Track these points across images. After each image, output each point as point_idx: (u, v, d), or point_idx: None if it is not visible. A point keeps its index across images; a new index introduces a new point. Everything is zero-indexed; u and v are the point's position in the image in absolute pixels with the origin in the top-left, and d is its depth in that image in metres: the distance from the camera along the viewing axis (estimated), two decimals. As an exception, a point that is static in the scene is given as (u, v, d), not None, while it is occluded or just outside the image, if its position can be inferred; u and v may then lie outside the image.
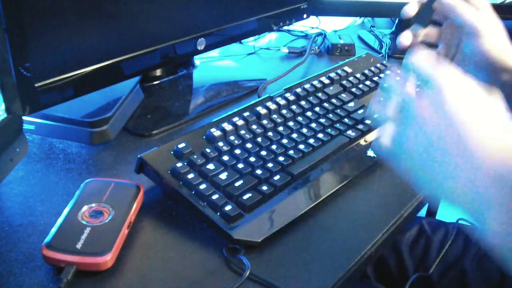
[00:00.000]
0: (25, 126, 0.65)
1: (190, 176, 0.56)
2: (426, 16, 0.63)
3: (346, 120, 0.71)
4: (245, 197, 0.55)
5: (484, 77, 0.62)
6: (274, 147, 0.63)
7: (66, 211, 0.52)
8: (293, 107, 0.71)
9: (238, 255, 0.50)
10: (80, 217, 0.51)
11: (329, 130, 0.68)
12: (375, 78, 0.83)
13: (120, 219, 0.51)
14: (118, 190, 0.55)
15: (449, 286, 0.80)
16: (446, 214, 1.62)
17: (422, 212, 1.50)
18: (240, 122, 0.65)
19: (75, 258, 0.47)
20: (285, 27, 1.18)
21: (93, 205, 0.52)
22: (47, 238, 0.48)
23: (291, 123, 0.68)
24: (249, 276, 0.49)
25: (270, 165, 0.60)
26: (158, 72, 0.85)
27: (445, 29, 0.65)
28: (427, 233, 0.85)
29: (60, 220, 0.51)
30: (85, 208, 0.52)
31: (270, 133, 0.65)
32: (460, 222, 0.89)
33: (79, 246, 0.47)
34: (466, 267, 0.80)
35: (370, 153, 0.67)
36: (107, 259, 0.47)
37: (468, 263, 0.80)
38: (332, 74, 0.80)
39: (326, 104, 0.74)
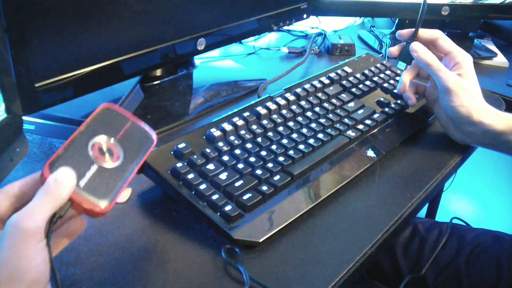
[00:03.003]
0: (25, 126, 0.65)
1: (190, 176, 0.56)
2: (408, 55, 0.73)
3: (346, 120, 0.71)
4: (245, 197, 0.55)
5: (453, 125, 0.71)
6: (274, 147, 0.63)
7: (77, 133, 0.45)
8: (293, 107, 0.71)
9: (238, 265, 0.50)
10: (90, 148, 0.45)
11: (329, 130, 0.68)
12: (375, 78, 0.83)
13: (129, 169, 0.46)
14: (134, 132, 0.49)
15: (443, 286, 0.80)
16: (446, 214, 1.63)
17: (422, 213, 1.50)
18: (240, 122, 0.65)
19: (75, 196, 0.42)
20: (285, 27, 1.18)
21: (107, 140, 0.46)
22: (53, 159, 0.43)
23: (291, 123, 0.68)
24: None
25: (270, 165, 0.60)
26: (158, 72, 0.85)
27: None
28: (421, 233, 0.85)
29: (69, 142, 0.44)
30: (97, 139, 0.46)
31: (270, 133, 0.65)
32: (454, 221, 0.89)
33: (82, 184, 0.42)
34: (461, 267, 0.80)
35: (370, 153, 0.68)
36: (107, 209, 0.43)
37: (463, 263, 0.80)
38: (332, 74, 0.80)
39: (326, 104, 0.74)
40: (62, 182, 0.40)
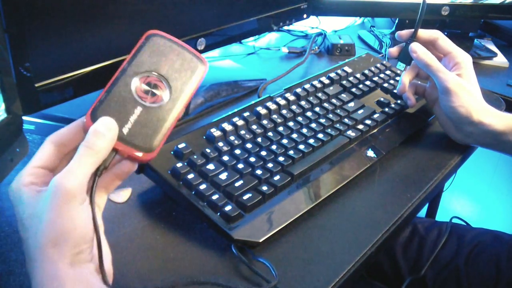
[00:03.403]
0: (25, 126, 0.65)
1: (190, 176, 0.56)
2: (407, 56, 0.73)
3: (346, 120, 0.71)
4: (245, 197, 0.55)
5: (453, 125, 0.71)
6: (274, 147, 0.63)
7: (119, 72, 0.42)
8: (293, 107, 0.71)
9: (259, 258, 0.50)
10: (133, 88, 0.41)
11: (329, 130, 0.68)
12: (375, 78, 0.83)
13: (175, 106, 0.42)
14: (181, 62, 0.43)
15: (443, 286, 0.80)
16: (446, 214, 1.63)
17: (422, 213, 1.50)
18: (240, 122, 0.65)
19: (119, 145, 0.40)
20: (285, 27, 1.18)
21: (152, 76, 0.42)
22: (95, 106, 0.40)
23: (291, 123, 0.68)
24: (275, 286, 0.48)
25: (270, 165, 0.60)
26: (158, 72, 0.85)
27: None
28: (421, 233, 0.85)
29: (111, 82, 0.41)
30: (141, 76, 0.41)
31: (270, 133, 0.65)
32: (454, 221, 0.89)
33: (125, 130, 0.40)
34: (460, 267, 0.80)
35: (370, 153, 0.68)
36: (154, 155, 0.41)
37: (462, 263, 0.80)
38: (332, 74, 0.80)
39: (326, 104, 0.74)
40: (103, 134, 0.39)
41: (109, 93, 0.41)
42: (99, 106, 0.40)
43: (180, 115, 0.42)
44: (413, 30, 0.73)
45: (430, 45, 0.72)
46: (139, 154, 0.40)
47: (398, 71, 0.86)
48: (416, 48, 0.70)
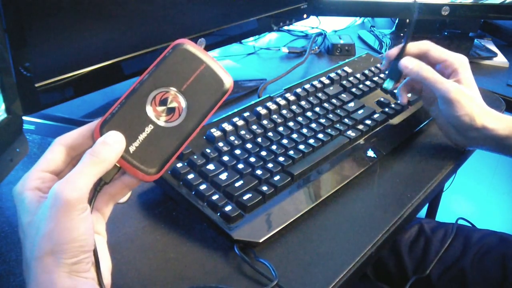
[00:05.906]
0: (25, 126, 0.65)
1: (190, 176, 0.56)
2: (396, 72, 0.69)
3: (346, 120, 0.71)
4: (245, 197, 0.55)
5: (456, 130, 0.69)
6: (274, 147, 0.63)
7: (138, 83, 0.40)
8: (293, 107, 0.71)
9: (260, 259, 0.50)
10: (148, 103, 0.39)
11: (329, 130, 0.68)
12: (375, 78, 0.83)
13: (188, 130, 0.40)
14: (204, 79, 0.41)
15: (448, 286, 0.80)
16: (446, 214, 1.63)
17: (422, 213, 1.50)
18: (240, 123, 0.65)
19: (122, 163, 0.39)
20: (285, 27, 1.18)
21: (170, 92, 0.40)
22: (106, 117, 0.39)
23: (291, 123, 0.68)
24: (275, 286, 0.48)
25: (270, 165, 0.60)
26: (158, 72, 0.85)
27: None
28: (427, 233, 0.85)
29: (127, 94, 0.39)
30: (159, 91, 0.39)
31: (270, 134, 0.65)
32: (459, 222, 0.89)
33: (132, 148, 0.39)
34: (466, 268, 0.80)
35: (370, 153, 0.68)
36: (155, 177, 0.40)
37: (468, 263, 0.80)
38: (332, 74, 0.80)
39: (326, 104, 0.74)
40: (110, 145, 0.38)
41: (122, 105, 0.39)
42: (110, 118, 0.39)
43: (191, 138, 0.41)
44: (401, 46, 0.68)
45: (422, 57, 0.69)
46: (141, 175, 0.39)
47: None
48: (407, 63, 0.66)
